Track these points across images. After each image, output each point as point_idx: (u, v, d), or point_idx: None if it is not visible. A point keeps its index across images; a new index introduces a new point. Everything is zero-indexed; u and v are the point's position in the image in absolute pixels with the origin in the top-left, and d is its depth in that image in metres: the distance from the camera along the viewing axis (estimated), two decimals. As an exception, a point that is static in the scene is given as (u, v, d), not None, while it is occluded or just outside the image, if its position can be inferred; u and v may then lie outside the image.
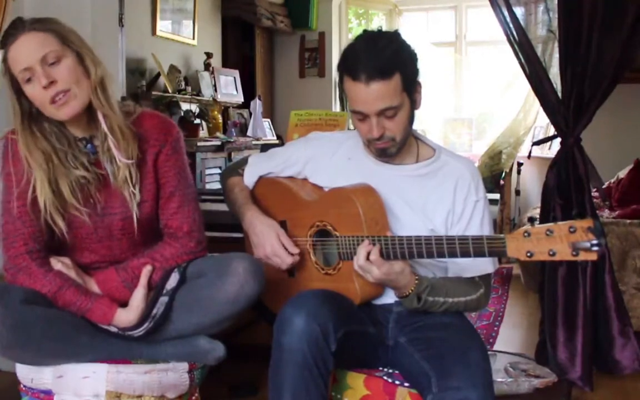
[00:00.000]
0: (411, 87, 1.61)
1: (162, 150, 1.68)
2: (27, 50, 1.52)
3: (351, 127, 1.74)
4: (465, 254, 1.46)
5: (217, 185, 2.04)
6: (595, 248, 1.30)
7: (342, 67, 1.62)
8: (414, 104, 1.63)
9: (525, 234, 1.36)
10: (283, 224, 1.75)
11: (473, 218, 1.66)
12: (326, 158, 1.77)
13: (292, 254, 1.68)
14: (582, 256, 1.32)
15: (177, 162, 1.70)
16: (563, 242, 1.33)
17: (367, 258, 1.50)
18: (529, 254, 1.36)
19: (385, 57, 1.55)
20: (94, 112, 1.60)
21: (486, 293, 1.67)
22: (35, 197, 1.56)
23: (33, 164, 1.55)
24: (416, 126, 1.78)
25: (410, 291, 1.55)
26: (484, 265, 1.65)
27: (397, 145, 1.63)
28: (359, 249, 1.52)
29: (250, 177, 1.88)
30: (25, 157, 1.57)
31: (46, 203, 1.55)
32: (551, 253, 1.34)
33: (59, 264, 1.60)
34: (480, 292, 1.65)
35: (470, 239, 1.46)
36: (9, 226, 1.58)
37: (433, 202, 1.66)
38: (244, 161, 1.93)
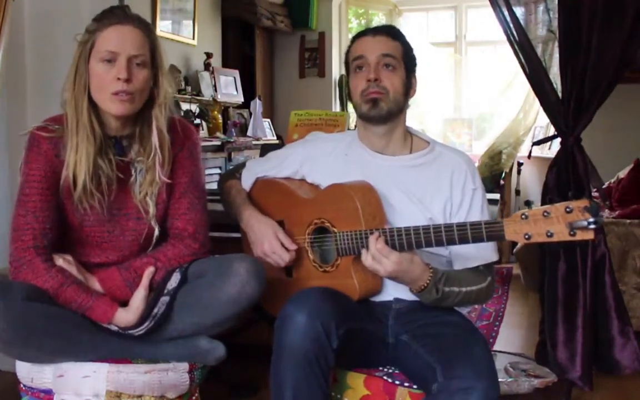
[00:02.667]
0: (409, 64, 1.73)
1: (180, 153, 1.72)
2: (126, 40, 1.58)
3: (351, 126, 1.76)
4: (463, 239, 1.47)
5: (217, 185, 2.05)
6: (592, 226, 1.32)
7: (350, 42, 1.77)
8: (409, 83, 1.73)
9: (523, 216, 1.38)
10: (281, 224, 1.76)
11: (473, 206, 1.68)
12: (323, 156, 1.79)
13: (289, 251, 1.69)
14: (579, 235, 1.34)
15: (191, 166, 1.74)
16: (560, 222, 1.35)
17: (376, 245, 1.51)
18: (527, 236, 1.38)
19: (391, 27, 1.79)
20: (130, 119, 1.64)
21: (492, 282, 1.68)
22: (60, 181, 1.59)
23: (81, 130, 1.58)
24: (416, 126, 1.81)
25: (427, 282, 1.55)
26: (488, 254, 1.66)
27: (389, 103, 1.68)
28: (370, 240, 1.52)
29: (247, 179, 1.89)
30: (72, 114, 1.59)
31: (85, 175, 1.57)
32: (549, 234, 1.36)
33: (60, 260, 1.61)
34: (488, 280, 1.66)
35: (469, 225, 1.47)
36: (21, 219, 1.60)
37: (430, 192, 1.68)
38: (242, 165, 1.97)
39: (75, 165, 1.58)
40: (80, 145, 1.58)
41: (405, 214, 1.65)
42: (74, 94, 1.60)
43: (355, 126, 1.91)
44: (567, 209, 1.33)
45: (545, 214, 1.36)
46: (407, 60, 1.73)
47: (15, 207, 1.62)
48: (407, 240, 1.51)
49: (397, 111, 1.71)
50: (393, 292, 1.66)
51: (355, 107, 1.74)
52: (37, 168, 1.61)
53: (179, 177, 1.72)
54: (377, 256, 1.51)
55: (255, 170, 1.89)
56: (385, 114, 1.68)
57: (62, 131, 1.61)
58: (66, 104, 1.61)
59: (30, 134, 1.63)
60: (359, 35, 1.76)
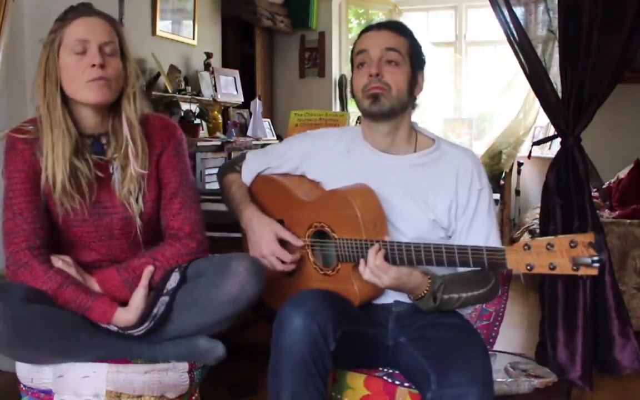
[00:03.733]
0: (415, 61, 1.69)
1: (165, 152, 1.71)
2: (95, 28, 1.59)
3: (351, 125, 1.75)
4: (464, 263, 1.46)
5: (217, 185, 2.04)
6: (596, 264, 1.29)
7: (356, 39, 1.73)
8: (414, 79, 1.69)
9: (526, 247, 1.35)
10: (280, 223, 1.75)
11: (479, 207, 1.66)
12: (324, 152, 1.77)
13: (292, 252, 1.68)
14: (583, 271, 1.31)
15: (179, 164, 1.72)
16: (564, 256, 1.32)
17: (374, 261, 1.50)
18: (529, 267, 1.35)
19: (398, 23, 1.77)
20: (106, 114, 1.65)
21: (496, 283, 1.66)
22: (41, 181, 1.58)
23: (56, 129, 1.58)
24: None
25: (425, 292, 1.54)
26: None
27: (391, 100, 1.64)
28: (369, 255, 1.51)
29: (248, 173, 1.88)
30: (45, 114, 1.58)
31: (62, 175, 1.57)
32: (551, 267, 1.33)
33: (59, 261, 1.61)
34: (491, 283, 1.64)
35: (470, 249, 1.45)
36: (10, 223, 1.59)
37: (434, 192, 1.65)
38: (241, 158, 1.93)
39: (53, 165, 1.57)
40: (56, 144, 1.58)
41: (408, 215, 1.64)
42: (46, 95, 1.59)
43: (357, 122, 1.89)
44: (572, 244, 1.31)
45: (548, 246, 1.33)
46: (413, 57, 1.68)
47: (3, 212, 1.61)
48: (408, 257, 1.49)
49: (400, 108, 1.67)
50: (393, 294, 1.65)
51: (357, 104, 1.71)
52: (15, 169, 1.60)
53: (168, 176, 1.71)
54: (376, 271, 1.50)
55: (255, 165, 1.87)
56: (386, 110, 1.64)
57: (37, 131, 1.61)
58: (39, 108, 1.61)
59: (7, 136, 1.63)
60: (365, 31, 1.72)
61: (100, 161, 1.65)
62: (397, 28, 1.70)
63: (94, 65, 1.56)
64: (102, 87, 1.58)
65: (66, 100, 1.61)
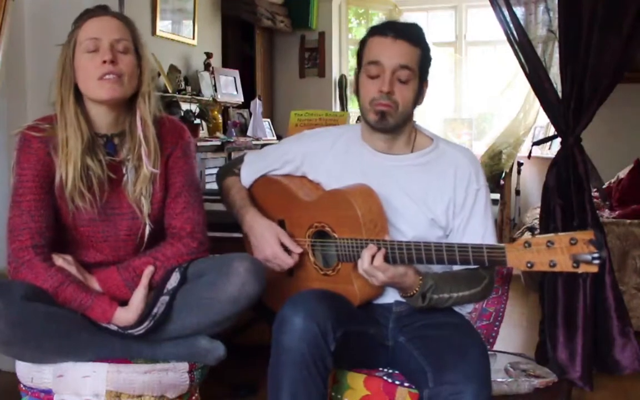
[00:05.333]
0: (423, 72, 1.68)
1: (173, 153, 1.72)
2: (107, 26, 1.61)
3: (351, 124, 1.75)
4: (464, 261, 1.46)
5: (217, 185, 2.04)
6: (596, 261, 1.30)
7: (368, 33, 1.68)
8: (420, 92, 1.69)
9: (526, 245, 1.36)
10: (281, 223, 1.75)
11: (476, 206, 1.66)
12: (323, 152, 1.77)
13: (292, 256, 1.69)
14: (583, 268, 1.31)
15: (185, 165, 1.74)
16: (564, 253, 1.32)
17: (372, 262, 1.51)
18: (529, 265, 1.36)
19: (414, 30, 1.68)
20: (121, 114, 1.66)
21: (490, 282, 1.66)
22: (53, 179, 1.59)
23: (70, 130, 1.59)
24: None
25: (415, 291, 1.55)
26: None
27: (397, 117, 1.63)
28: (363, 253, 1.52)
29: (247, 176, 1.88)
30: (59, 112, 1.61)
31: (74, 171, 1.58)
32: (552, 264, 1.33)
33: (60, 260, 1.61)
34: (484, 283, 1.64)
35: (470, 247, 1.45)
36: (17, 219, 1.60)
37: (433, 192, 1.66)
38: (240, 160, 1.93)
39: (67, 163, 1.58)
40: (69, 141, 1.59)
41: (407, 215, 1.64)
42: (61, 94, 1.62)
43: (358, 121, 1.89)
44: (572, 241, 1.31)
45: (548, 244, 1.33)
46: (423, 68, 1.67)
47: (10, 208, 1.62)
48: (408, 256, 1.50)
49: (403, 122, 1.67)
50: (394, 295, 1.65)
51: (361, 110, 1.70)
52: (28, 167, 1.61)
53: (174, 176, 1.72)
54: (371, 271, 1.51)
55: (255, 167, 1.87)
56: (390, 127, 1.65)
57: (52, 130, 1.62)
58: (55, 106, 1.63)
59: (21, 134, 1.64)
60: (379, 33, 1.65)
61: (113, 162, 1.65)
62: (413, 38, 1.64)
63: (104, 62, 1.57)
64: (114, 83, 1.59)
65: (80, 100, 1.63)
